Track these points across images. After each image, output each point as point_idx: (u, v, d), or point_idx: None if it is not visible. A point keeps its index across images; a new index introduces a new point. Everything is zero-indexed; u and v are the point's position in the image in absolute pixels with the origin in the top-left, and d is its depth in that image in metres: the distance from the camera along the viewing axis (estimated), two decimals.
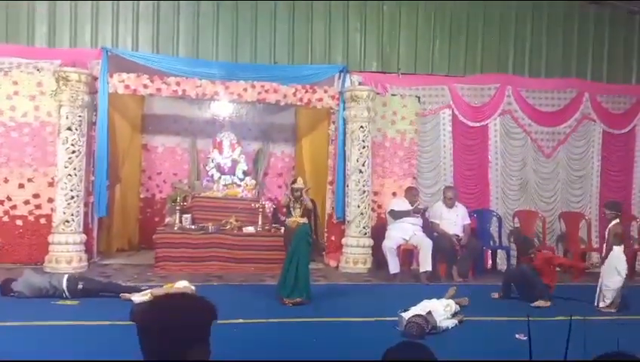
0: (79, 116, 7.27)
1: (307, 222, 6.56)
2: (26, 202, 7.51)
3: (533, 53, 9.29)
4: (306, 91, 8.03)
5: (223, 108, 8.98)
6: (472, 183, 9.01)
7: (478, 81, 9.04)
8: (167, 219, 8.46)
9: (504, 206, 9.02)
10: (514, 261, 8.11)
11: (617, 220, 6.40)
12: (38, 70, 7.67)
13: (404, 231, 7.67)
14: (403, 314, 4.95)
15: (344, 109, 8.08)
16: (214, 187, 8.78)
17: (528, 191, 9.14)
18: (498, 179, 9.06)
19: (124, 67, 7.62)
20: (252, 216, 8.13)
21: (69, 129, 7.20)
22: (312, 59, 8.71)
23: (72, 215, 7.20)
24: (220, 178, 8.87)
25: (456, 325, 5.24)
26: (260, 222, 8.00)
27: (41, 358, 3.81)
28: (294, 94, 7.98)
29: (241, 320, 5.03)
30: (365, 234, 8.00)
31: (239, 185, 8.84)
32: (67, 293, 5.69)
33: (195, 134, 9.36)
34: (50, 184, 7.46)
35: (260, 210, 8.06)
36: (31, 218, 7.52)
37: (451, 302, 5.54)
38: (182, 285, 5.85)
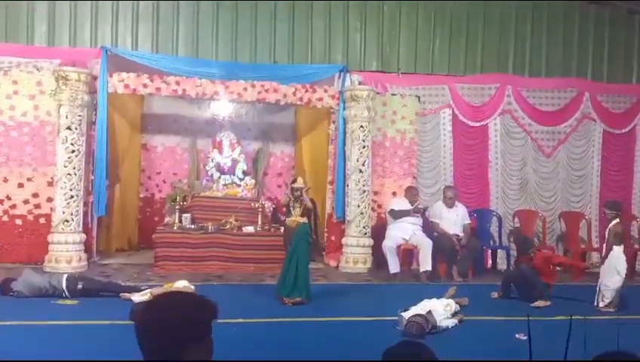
0: (79, 115, 7.26)
1: (307, 221, 6.55)
2: (26, 201, 7.51)
3: (533, 53, 9.29)
4: (306, 91, 8.03)
5: (222, 107, 8.97)
6: (472, 183, 9.01)
7: (478, 80, 9.04)
8: (167, 219, 8.45)
9: (504, 205, 9.02)
10: (514, 261, 8.11)
11: (617, 220, 6.40)
12: (37, 69, 7.66)
13: (404, 231, 7.67)
14: (403, 314, 4.95)
15: (344, 109, 8.08)
16: (214, 187, 8.77)
17: (528, 190, 9.14)
18: (498, 178, 9.05)
19: (123, 66, 7.62)
20: (252, 215, 8.12)
21: (69, 128, 7.19)
22: (312, 58, 8.71)
23: (72, 214, 7.19)
24: (219, 177, 8.86)
25: (456, 325, 5.24)
26: (259, 222, 7.99)
27: (41, 358, 3.81)
28: (294, 94, 7.97)
29: (240, 320, 5.02)
30: (365, 233, 7.99)
31: (239, 185, 8.84)
32: (67, 293, 5.69)
33: (195, 134, 9.35)
34: (50, 183, 7.45)
35: (260, 209, 8.06)
36: (30, 217, 7.51)
37: (451, 301, 5.54)
38: (181, 285, 5.85)
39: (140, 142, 9.25)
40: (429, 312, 5.00)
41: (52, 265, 7.04)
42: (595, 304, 6.19)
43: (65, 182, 7.17)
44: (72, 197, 7.19)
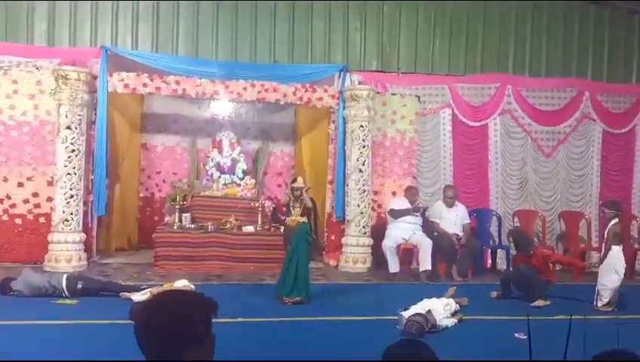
0: (79, 115, 7.26)
1: (307, 221, 6.55)
2: (26, 201, 7.51)
3: (533, 52, 9.29)
4: (306, 90, 8.03)
5: (222, 107, 8.97)
6: (471, 183, 9.01)
7: (478, 80, 9.04)
8: (167, 218, 8.46)
9: (504, 205, 9.02)
10: (512, 257, 8.09)
11: (617, 220, 6.40)
12: (37, 69, 7.66)
13: (403, 231, 7.67)
14: (403, 313, 4.96)
15: (344, 108, 8.08)
16: (214, 186, 8.77)
17: (528, 190, 9.14)
18: (498, 178, 9.06)
19: (123, 66, 7.61)
20: (252, 215, 8.13)
21: (69, 128, 7.19)
22: (312, 58, 8.71)
23: (72, 214, 7.19)
24: (219, 177, 8.86)
25: (455, 324, 5.25)
26: (259, 221, 8.00)
27: (41, 357, 3.81)
28: (294, 93, 7.97)
29: (240, 319, 5.02)
30: (365, 233, 7.99)
31: (239, 185, 8.84)
32: (66, 292, 5.69)
33: (195, 133, 9.34)
34: (50, 183, 7.45)
35: (260, 209, 8.06)
36: (30, 217, 7.51)
37: (451, 301, 5.55)
38: (181, 284, 5.84)
39: (139, 142, 9.25)
40: (429, 311, 5.01)
41: (52, 265, 7.04)
42: (594, 304, 6.19)
43: (65, 182, 7.17)
44: (71, 196, 7.19)
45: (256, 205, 8.11)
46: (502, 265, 8.58)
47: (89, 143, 7.47)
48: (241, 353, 3.92)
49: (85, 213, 7.45)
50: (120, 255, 8.36)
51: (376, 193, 8.45)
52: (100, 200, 7.50)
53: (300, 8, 8.66)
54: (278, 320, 5.27)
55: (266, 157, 9.58)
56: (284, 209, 7.22)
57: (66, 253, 7.12)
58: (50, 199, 7.41)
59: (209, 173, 8.94)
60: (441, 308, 5.25)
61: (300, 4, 8.65)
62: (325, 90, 8.12)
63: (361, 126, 7.96)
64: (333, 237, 8.30)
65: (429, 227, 7.94)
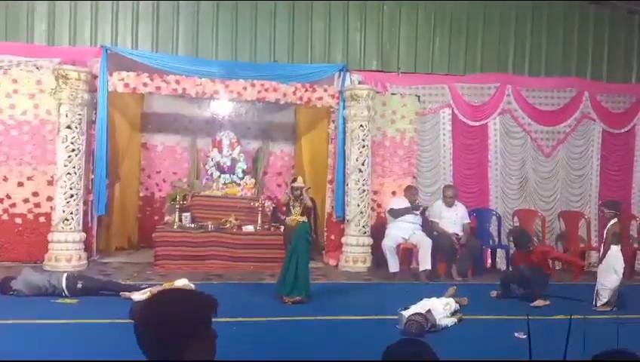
0: (79, 114, 7.26)
1: (307, 220, 6.56)
2: (26, 200, 7.51)
3: (533, 52, 9.29)
4: (306, 90, 8.03)
5: (222, 106, 8.96)
6: (471, 182, 9.01)
7: (478, 80, 9.04)
8: (167, 218, 8.46)
9: (504, 205, 9.02)
10: (511, 255, 8.09)
11: (616, 219, 6.40)
12: (37, 68, 7.65)
13: (403, 230, 7.67)
14: (403, 313, 4.96)
15: (344, 108, 8.08)
16: (214, 186, 8.77)
17: (528, 190, 9.14)
18: (498, 178, 9.06)
19: (123, 65, 7.61)
20: (251, 214, 8.13)
21: (69, 127, 7.19)
22: (312, 57, 8.71)
23: (72, 213, 7.19)
24: (219, 177, 8.87)
25: (455, 323, 5.25)
26: (259, 221, 8.00)
27: (41, 357, 3.81)
28: (294, 93, 7.97)
29: (240, 319, 5.02)
30: (365, 233, 8.00)
31: (239, 184, 8.84)
32: (66, 292, 5.69)
33: (195, 133, 9.34)
34: (50, 182, 7.45)
35: (260, 208, 8.06)
36: (30, 216, 7.51)
37: (451, 300, 5.56)
38: (181, 283, 5.84)
39: (139, 141, 9.25)
40: (429, 311, 5.02)
41: (52, 264, 7.04)
42: (593, 304, 6.19)
43: (65, 181, 7.17)
44: (71, 196, 7.19)
45: (256, 205, 8.12)
46: (501, 264, 8.58)
47: (89, 143, 7.47)
48: (241, 352, 3.92)
49: (85, 213, 7.46)
50: (120, 254, 8.36)
51: (375, 193, 8.45)
52: (100, 200, 7.50)
53: (299, 8, 8.66)
54: (278, 320, 5.28)
55: (266, 156, 9.58)
56: (284, 208, 7.22)
57: (66, 253, 7.12)
58: (50, 198, 7.41)
59: (209, 172, 8.94)
60: (441, 308, 5.26)
61: (299, 4, 8.65)
62: (325, 90, 8.13)
63: (361, 126, 7.96)
64: (333, 237, 8.30)
65: (428, 227, 7.94)
